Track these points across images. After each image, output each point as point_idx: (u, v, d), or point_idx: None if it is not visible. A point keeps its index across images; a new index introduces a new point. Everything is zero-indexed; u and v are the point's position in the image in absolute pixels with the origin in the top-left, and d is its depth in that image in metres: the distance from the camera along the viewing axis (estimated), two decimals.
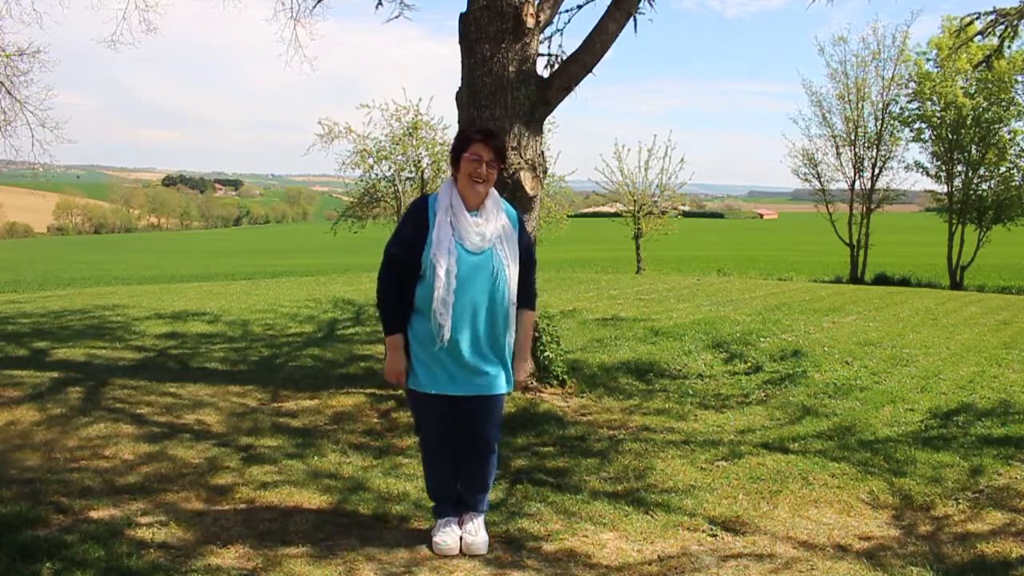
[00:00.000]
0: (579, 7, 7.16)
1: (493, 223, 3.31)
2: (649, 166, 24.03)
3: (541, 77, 5.93)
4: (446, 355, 3.28)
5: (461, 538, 3.43)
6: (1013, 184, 26.14)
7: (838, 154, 28.72)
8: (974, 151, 26.25)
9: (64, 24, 11.57)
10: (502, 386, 3.37)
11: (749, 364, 7.39)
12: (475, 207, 3.31)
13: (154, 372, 6.52)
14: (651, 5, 6.55)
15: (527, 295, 3.46)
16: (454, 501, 3.54)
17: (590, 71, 6.03)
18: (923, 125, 27.26)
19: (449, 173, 3.45)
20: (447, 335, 3.23)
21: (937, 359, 7.86)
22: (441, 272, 3.20)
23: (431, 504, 3.63)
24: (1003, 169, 26.36)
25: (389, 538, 3.51)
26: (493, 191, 3.39)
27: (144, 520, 3.55)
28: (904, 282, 25.63)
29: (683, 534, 3.67)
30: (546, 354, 6.21)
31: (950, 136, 26.31)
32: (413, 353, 3.34)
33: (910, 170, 28.51)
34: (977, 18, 7.48)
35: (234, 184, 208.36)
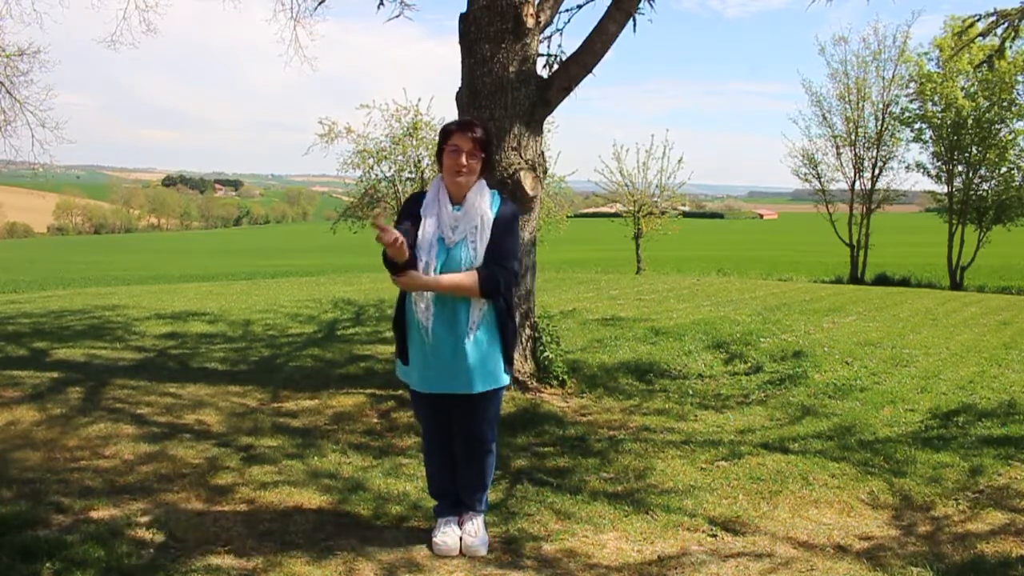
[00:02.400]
0: (579, 7, 7.16)
1: (471, 215, 3.26)
2: (647, 166, 24.06)
3: (541, 77, 5.93)
4: (431, 351, 3.27)
5: (461, 539, 3.42)
6: (1013, 184, 26.15)
7: (838, 154, 28.78)
8: (974, 151, 26.26)
9: (64, 24, 11.58)
10: (481, 384, 3.30)
11: (749, 364, 7.39)
12: (458, 201, 3.28)
13: (154, 372, 6.52)
14: (651, 5, 6.55)
15: (489, 267, 3.21)
16: (454, 500, 3.54)
17: (590, 71, 6.04)
18: (923, 125, 27.28)
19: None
20: (430, 327, 3.22)
21: (937, 359, 7.86)
22: (420, 266, 3.19)
23: (432, 503, 3.63)
24: (1003, 169, 26.36)
25: (389, 538, 3.51)
26: (483, 185, 3.33)
27: (144, 520, 3.55)
28: (904, 282, 25.64)
29: (683, 534, 3.67)
30: (546, 354, 6.21)
31: (951, 136, 26.32)
32: (409, 346, 3.34)
33: (911, 170, 28.57)
34: (979, 19, 7.48)
35: (234, 184, 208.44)
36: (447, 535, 3.42)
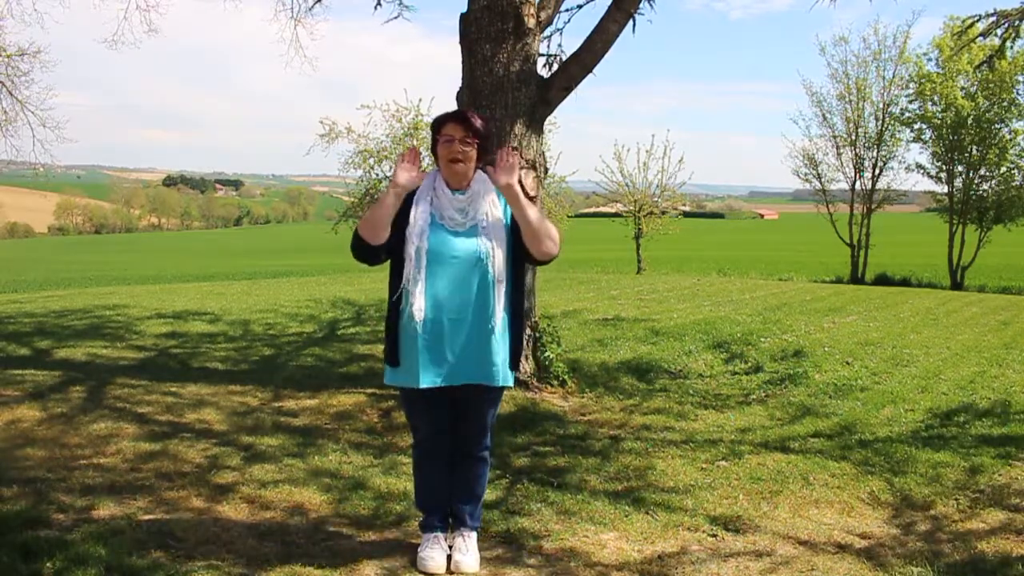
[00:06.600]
0: (579, 7, 7.17)
1: (478, 201, 3.17)
2: (648, 166, 24.05)
3: (541, 77, 5.94)
4: (431, 343, 3.11)
5: (450, 556, 3.25)
6: (1014, 184, 26.15)
7: (839, 154, 28.75)
8: (974, 151, 26.25)
9: (64, 24, 11.59)
10: (493, 377, 3.18)
11: (749, 364, 7.40)
12: (459, 188, 3.18)
13: (155, 371, 6.53)
14: (651, 6, 6.56)
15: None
16: (443, 514, 3.36)
17: (590, 71, 6.04)
18: (923, 126, 27.28)
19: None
20: (419, 315, 3.07)
21: (937, 359, 7.87)
22: (411, 250, 3.09)
23: (419, 517, 3.43)
24: (1003, 169, 26.36)
25: (390, 537, 3.52)
26: (485, 176, 3.23)
27: (146, 519, 3.55)
28: (904, 282, 25.62)
29: (683, 534, 3.68)
30: (546, 354, 6.22)
31: (950, 136, 26.31)
32: (401, 344, 3.17)
33: (911, 171, 28.55)
34: (978, 19, 7.49)
35: (235, 184, 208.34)
36: (435, 550, 3.24)
